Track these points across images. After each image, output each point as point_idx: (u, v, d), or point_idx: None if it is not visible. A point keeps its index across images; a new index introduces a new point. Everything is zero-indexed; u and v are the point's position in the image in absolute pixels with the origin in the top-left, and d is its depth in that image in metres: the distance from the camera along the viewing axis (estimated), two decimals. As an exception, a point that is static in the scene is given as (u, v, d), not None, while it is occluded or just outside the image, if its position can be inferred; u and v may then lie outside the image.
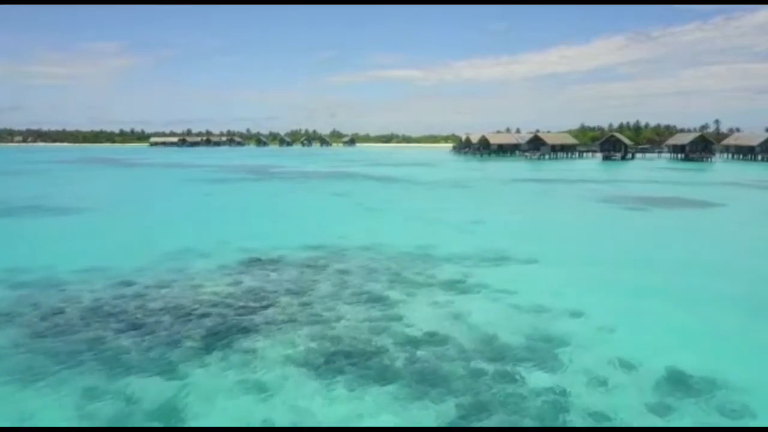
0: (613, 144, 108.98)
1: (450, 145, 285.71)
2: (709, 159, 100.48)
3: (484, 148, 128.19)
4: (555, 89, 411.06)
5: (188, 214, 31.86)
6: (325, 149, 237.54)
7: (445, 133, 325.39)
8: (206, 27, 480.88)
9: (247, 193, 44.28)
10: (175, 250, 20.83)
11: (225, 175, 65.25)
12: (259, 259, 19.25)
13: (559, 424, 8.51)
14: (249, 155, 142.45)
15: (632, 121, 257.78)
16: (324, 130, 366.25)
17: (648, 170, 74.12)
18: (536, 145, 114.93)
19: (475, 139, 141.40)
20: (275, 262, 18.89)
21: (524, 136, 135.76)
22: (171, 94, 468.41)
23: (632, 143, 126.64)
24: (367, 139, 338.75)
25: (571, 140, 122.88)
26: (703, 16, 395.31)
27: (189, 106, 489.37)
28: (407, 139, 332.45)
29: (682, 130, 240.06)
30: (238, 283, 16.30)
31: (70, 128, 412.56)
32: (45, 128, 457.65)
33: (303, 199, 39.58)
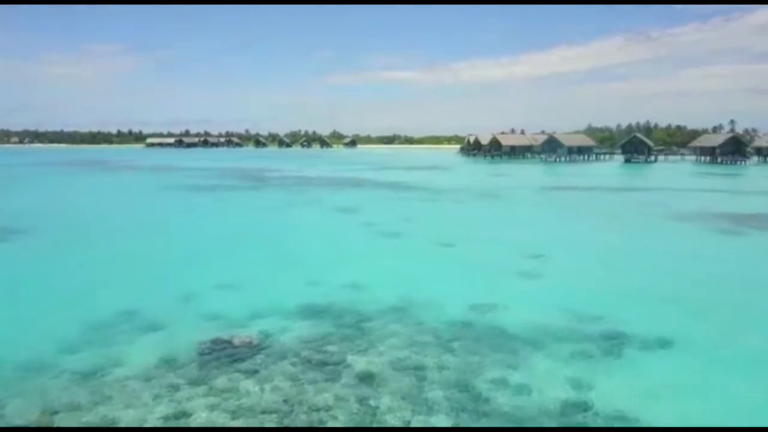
0: (635, 146, 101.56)
1: (455, 146, 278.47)
2: (743, 162, 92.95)
3: (495, 150, 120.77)
4: (556, 90, 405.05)
5: (146, 245, 24.26)
6: (326, 151, 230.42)
7: (447, 135, 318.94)
8: (206, 28, 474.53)
9: (232, 209, 36.71)
10: (100, 319, 13.39)
11: (215, 180, 57.81)
12: (227, 344, 11.78)
13: None
14: (246, 157, 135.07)
15: (641, 121, 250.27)
16: (324, 131, 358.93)
17: (688, 176, 66.71)
18: (552, 147, 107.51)
19: (484, 140, 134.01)
20: (253, 352, 11.43)
21: (537, 137, 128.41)
22: (170, 95, 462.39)
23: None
24: (368, 140, 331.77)
25: (588, 141, 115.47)
26: (702, 17, 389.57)
27: (188, 107, 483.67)
28: (410, 141, 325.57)
29: (694, 131, 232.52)
30: (181, 416, 8.85)
31: (69, 128, 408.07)
32: (44, 129, 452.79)
33: (300, 218, 32.05)
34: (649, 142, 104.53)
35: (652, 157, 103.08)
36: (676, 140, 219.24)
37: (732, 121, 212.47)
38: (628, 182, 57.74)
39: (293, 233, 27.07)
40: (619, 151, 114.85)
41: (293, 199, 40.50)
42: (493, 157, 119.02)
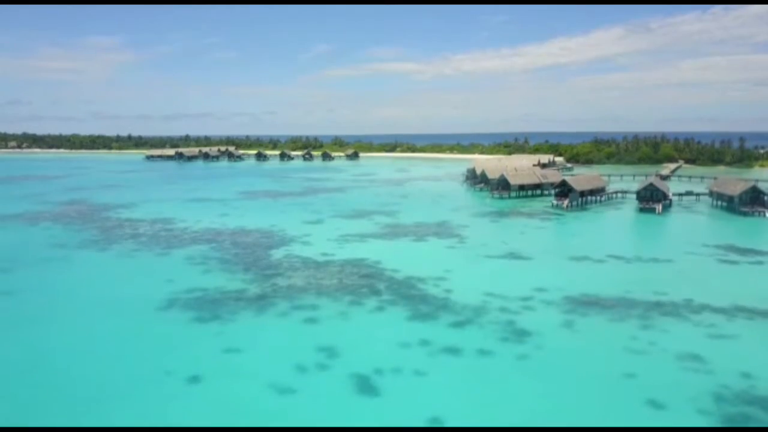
0: (651, 192, 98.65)
1: (457, 156, 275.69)
2: (762, 213, 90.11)
3: (503, 189, 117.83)
4: (556, 80, 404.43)
5: None
6: (328, 167, 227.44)
7: (445, 131, 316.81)
8: (204, 23, 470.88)
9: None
10: None
11: (215, 278, 55.15)
12: None
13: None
14: (248, 192, 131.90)
15: (649, 134, 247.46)
16: (324, 130, 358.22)
17: (723, 257, 63.71)
18: (563, 191, 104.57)
19: (491, 169, 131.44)
20: None
21: (546, 174, 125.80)
22: (170, 89, 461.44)
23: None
24: (370, 148, 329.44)
25: (599, 182, 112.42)
26: (703, 6, 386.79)
27: (188, 101, 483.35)
28: (412, 149, 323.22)
29: (700, 143, 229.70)
30: None
31: (70, 123, 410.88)
32: (42, 131, 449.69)
33: None
34: (664, 188, 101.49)
35: (668, 201, 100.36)
36: (684, 156, 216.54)
37: (741, 139, 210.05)
38: (665, 279, 55.19)
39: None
40: (632, 190, 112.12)
41: (305, 375, 37.62)
42: (501, 196, 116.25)
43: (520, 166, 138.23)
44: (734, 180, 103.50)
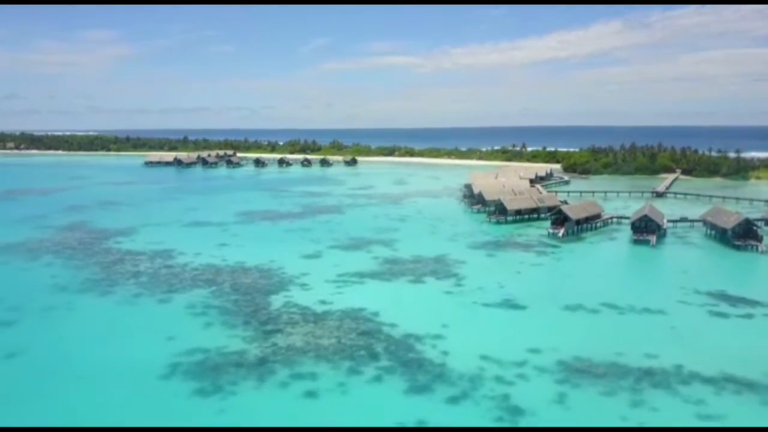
0: (646, 222, 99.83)
1: (455, 162, 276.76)
2: (755, 248, 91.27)
3: (500, 213, 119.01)
4: (554, 74, 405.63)
5: None
6: (326, 174, 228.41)
7: (445, 126, 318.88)
8: (202, 16, 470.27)
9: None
10: None
11: (212, 339, 56.15)
12: None
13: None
14: (243, 217, 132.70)
15: (647, 143, 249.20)
16: (321, 122, 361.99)
17: (723, 312, 64.83)
18: (559, 219, 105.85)
19: (489, 190, 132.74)
20: None
21: (543, 198, 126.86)
22: (167, 83, 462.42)
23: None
24: (368, 152, 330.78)
25: (595, 209, 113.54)
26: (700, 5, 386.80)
27: (185, 95, 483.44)
28: (410, 153, 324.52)
29: (696, 152, 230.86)
30: None
31: (68, 117, 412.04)
32: (39, 126, 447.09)
33: None
34: (658, 218, 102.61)
35: (662, 231, 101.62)
36: (681, 166, 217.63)
37: (737, 150, 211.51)
38: (657, 338, 56.43)
39: None
40: (628, 215, 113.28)
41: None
42: (498, 221, 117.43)
43: (518, 187, 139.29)
44: (727, 212, 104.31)
